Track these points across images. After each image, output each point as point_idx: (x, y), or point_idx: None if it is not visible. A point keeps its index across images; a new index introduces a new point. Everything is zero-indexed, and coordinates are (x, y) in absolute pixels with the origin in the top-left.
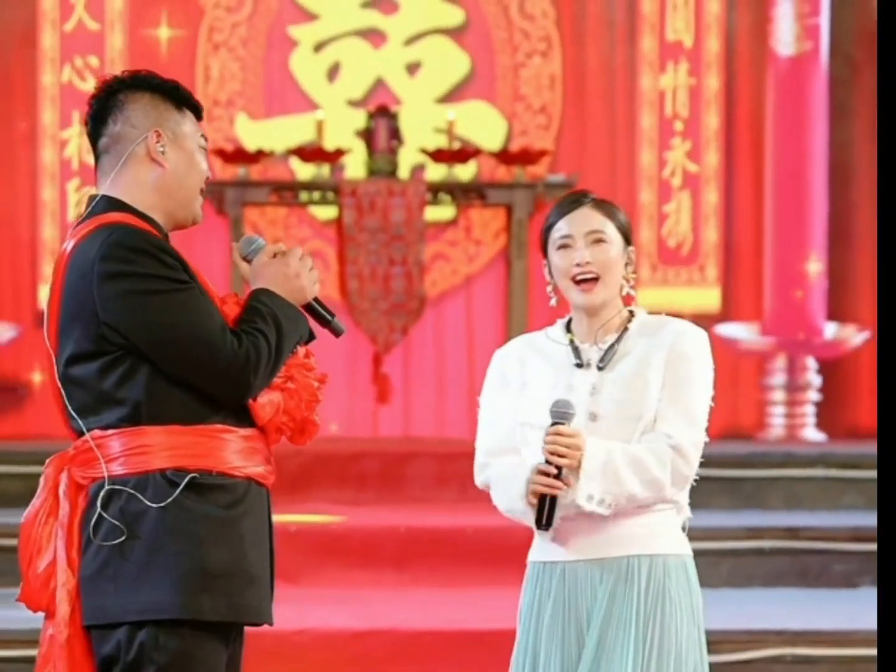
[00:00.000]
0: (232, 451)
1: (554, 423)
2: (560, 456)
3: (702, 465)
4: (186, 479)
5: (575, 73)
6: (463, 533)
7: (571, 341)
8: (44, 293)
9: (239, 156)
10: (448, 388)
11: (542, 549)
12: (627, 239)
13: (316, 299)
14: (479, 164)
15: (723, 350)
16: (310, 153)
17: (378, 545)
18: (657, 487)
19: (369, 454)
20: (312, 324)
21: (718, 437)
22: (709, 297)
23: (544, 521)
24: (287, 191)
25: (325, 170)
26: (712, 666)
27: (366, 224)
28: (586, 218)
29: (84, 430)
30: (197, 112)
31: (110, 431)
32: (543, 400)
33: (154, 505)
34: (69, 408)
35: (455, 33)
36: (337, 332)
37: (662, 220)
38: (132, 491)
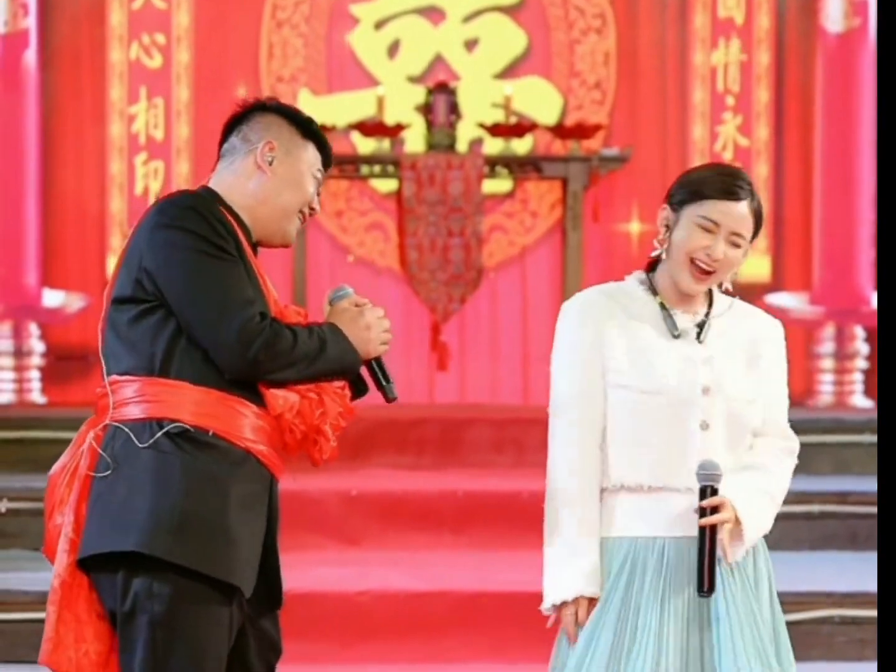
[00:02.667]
0: (237, 421)
1: (703, 487)
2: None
3: None
4: (173, 427)
5: (629, 50)
6: (519, 497)
7: (663, 305)
8: (112, 264)
9: None
10: (502, 356)
11: (630, 523)
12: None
13: (379, 360)
14: (535, 138)
15: None
16: (371, 128)
17: (436, 509)
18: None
19: (428, 420)
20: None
21: None
22: (759, 267)
23: (707, 587)
24: (349, 164)
25: (385, 144)
26: None
27: (425, 197)
28: (740, 217)
29: (105, 374)
30: (325, 154)
31: (126, 377)
32: (652, 366)
33: (142, 446)
34: (100, 351)
35: (512, 10)
36: (389, 398)
37: None
38: (129, 433)
